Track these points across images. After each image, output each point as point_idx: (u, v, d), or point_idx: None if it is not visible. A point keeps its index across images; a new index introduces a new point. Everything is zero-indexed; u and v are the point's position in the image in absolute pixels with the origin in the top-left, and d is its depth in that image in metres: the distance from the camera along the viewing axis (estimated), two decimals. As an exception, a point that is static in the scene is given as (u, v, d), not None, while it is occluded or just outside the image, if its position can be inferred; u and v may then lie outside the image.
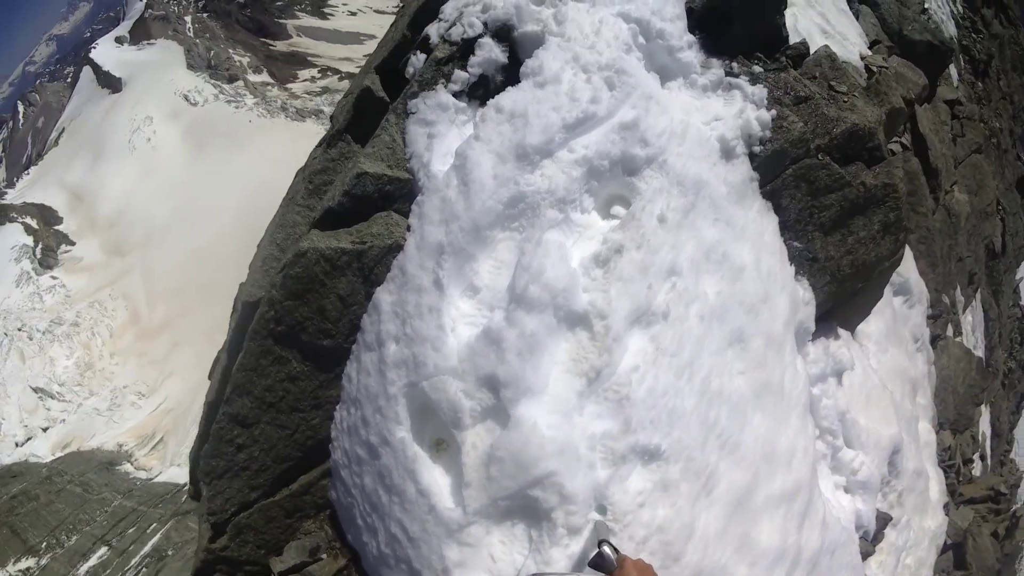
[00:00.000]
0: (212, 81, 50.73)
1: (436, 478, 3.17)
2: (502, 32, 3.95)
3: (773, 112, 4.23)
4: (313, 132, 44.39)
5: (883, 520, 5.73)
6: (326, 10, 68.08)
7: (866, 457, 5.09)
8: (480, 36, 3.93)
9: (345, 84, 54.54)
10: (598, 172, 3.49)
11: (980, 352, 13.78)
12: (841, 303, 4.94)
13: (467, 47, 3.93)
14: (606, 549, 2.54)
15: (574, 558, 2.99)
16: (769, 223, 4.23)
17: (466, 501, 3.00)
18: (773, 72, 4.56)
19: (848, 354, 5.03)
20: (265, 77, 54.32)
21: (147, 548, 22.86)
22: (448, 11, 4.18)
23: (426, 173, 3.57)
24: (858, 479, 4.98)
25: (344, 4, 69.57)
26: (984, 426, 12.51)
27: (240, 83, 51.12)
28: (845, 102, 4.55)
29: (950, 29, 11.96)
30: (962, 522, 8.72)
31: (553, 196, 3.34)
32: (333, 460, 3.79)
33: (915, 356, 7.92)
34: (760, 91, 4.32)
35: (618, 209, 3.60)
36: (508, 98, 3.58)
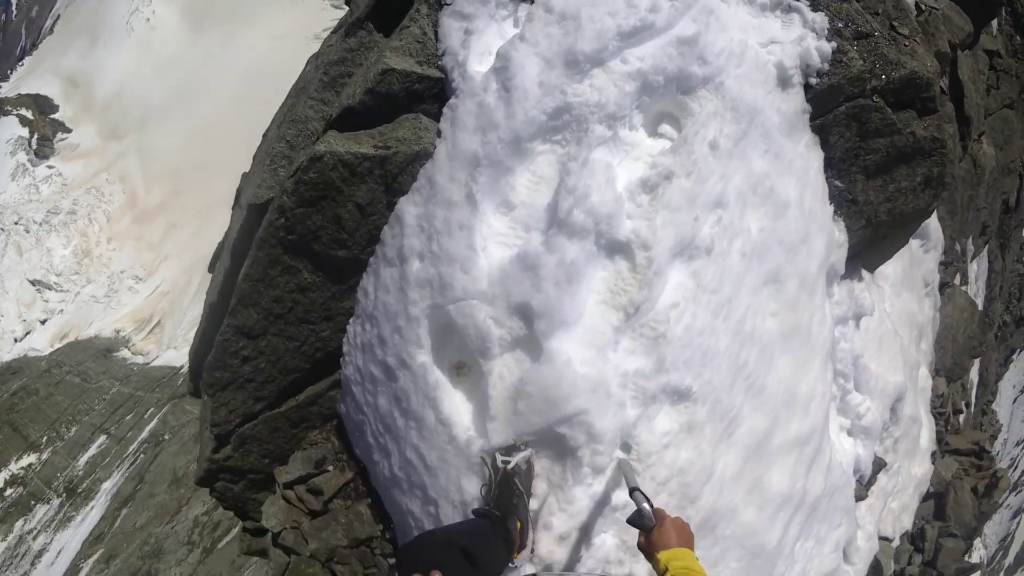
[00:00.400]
0: None
1: (457, 405, 3.02)
2: None
3: (834, 44, 3.89)
4: (318, 8, 42.18)
5: (878, 465, 5.78)
6: None
7: (872, 403, 5.07)
8: None
9: None
10: (651, 88, 3.15)
11: (980, 302, 13.87)
12: (869, 246, 4.78)
13: None
14: (645, 505, 2.41)
15: (596, 497, 2.90)
16: (815, 159, 3.97)
17: (490, 435, 2.86)
18: (835, 0, 4.20)
19: (870, 298, 4.91)
20: None
21: (144, 434, 23.19)
22: None
23: (461, 73, 3.18)
24: (862, 424, 4.97)
25: None
26: (973, 374, 12.71)
27: None
28: (906, 46, 4.22)
29: (993, -29, 11.37)
30: (946, 473, 8.93)
31: (603, 110, 3.01)
32: (344, 375, 3.62)
33: (923, 301, 7.89)
34: (821, 19, 3.96)
35: (666, 128, 3.29)
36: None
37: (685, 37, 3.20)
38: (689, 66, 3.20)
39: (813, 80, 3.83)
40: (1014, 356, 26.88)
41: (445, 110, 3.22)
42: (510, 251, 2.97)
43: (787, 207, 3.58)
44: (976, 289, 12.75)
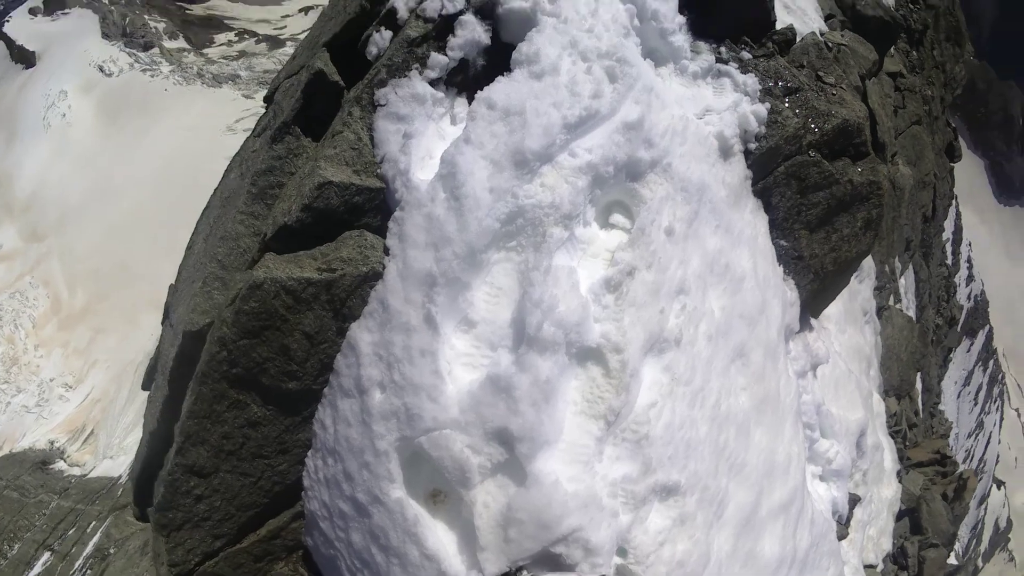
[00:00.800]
0: (127, 50, 47.48)
1: (440, 537, 2.81)
2: (486, 8, 3.37)
3: (767, 105, 3.96)
4: (229, 98, 42.33)
5: (853, 501, 5.82)
6: None
7: (839, 445, 5.13)
8: (461, 12, 3.32)
9: (262, 47, 51.73)
10: (603, 179, 3.07)
11: (913, 313, 14.44)
12: (815, 295, 4.87)
13: (445, 25, 3.32)
14: None
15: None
16: (761, 224, 4.00)
17: (482, 565, 2.66)
18: (762, 59, 4.28)
19: (823, 347, 4.99)
20: (181, 43, 51.35)
21: (89, 548, 21.76)
22: None
23: (404, 183, 3.00)
24: (833, 468, 5.01)
25: None
26: (916, 382, 13.16)
27: (156, 50, 48.15)
28: (834, 94, 4.35)
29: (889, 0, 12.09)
30: (914, 488, 9.13)
31: (558, 211, 2.90)
32: (308, 510, 3.36)
33: (865, 329, 8.11)
34: (751, 81, 4.03)
35: (618, 218, 3.21)
36: (501, 91, 3.04)
37: (631, 121, 3.15)
38: (637, 151, 3.14)
39: (752, 145, 3.86)
40: (951, 355, 28.14)
41: (391, 224, 3.04)
42: (478, 372, 2.80)
43: (743, 280, 3.56)
44: (907, 302, 13.25)
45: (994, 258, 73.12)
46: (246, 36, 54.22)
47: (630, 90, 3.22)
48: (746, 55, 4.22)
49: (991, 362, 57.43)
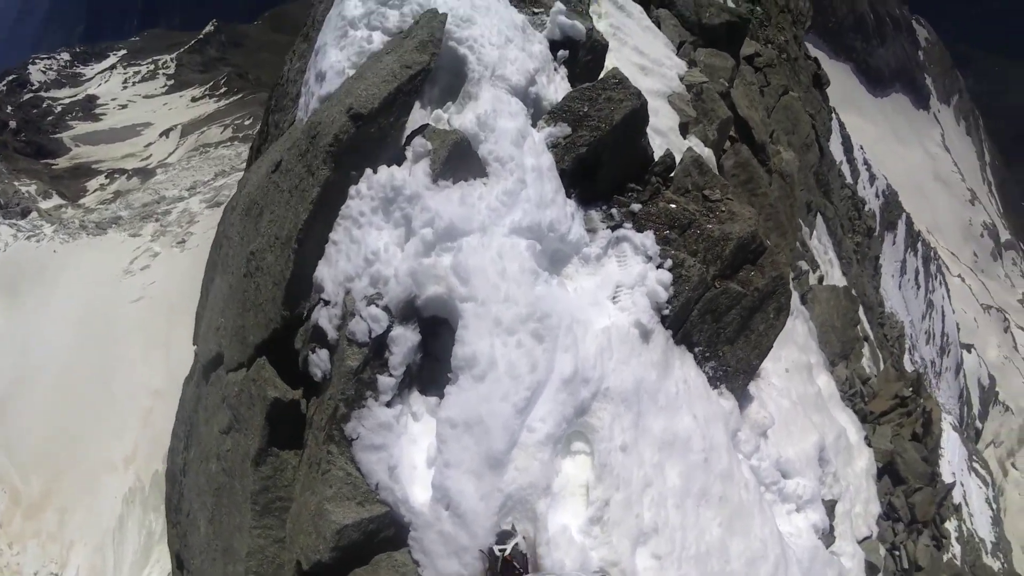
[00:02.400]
0: (6, 222, 46.09)
1: None
2: (407, 310, 3.74)
3: (669, 262, 4.46)
4: (117, 241, 41.10)
5: (830, 506, 6.61)
6: (97, 111, 64.64)
7: (803, 479, 5.89)
8: (389, 329, 3.68)
9: (135, 182, 50.78)
10: (560, 436, 3.68)
11: (831, 255, 15.54)
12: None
13: (379, 345, 3.68)
14: None
15: None
16: (690, 368, 4.69)
17: None
18: (650, 203, 4.83)
19: (766, 412, 5.70)
20: (56, 200, 49.88)
21: None
22: (330, 290, 3.87)
23: (408, 509, 3.48)
24: (804, 500, 5.79)
25: (113, 100, 65.86)
26: (860, 313, 14.13)
27: (34, 215, 46.79)
28: (723, 211, 4.94)
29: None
30: (885, 443, 10.01)
31: (536, 486, 3.47)
32: None
33: (797, 328, 8.95)
34: (649, 242, 4.51)
35: (578, 445, 3.77)
36: (456, 407, 3.51)
37: (567, 376, 3.69)
38: (579, 395, 3.76)
39: (666, 311, 4.51)
40: (880, 261, 29.69)
41: (411, 542, 3.52)
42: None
43: (690, 438, 4.27)
44: (825, 259, 14.21)
45: (886, 147, 77.52)
46: (116, 175, 53.34)
47: (557, 340, 3.74)
48: (636, 206, 4.72)
49: (919, 244, 60.70)
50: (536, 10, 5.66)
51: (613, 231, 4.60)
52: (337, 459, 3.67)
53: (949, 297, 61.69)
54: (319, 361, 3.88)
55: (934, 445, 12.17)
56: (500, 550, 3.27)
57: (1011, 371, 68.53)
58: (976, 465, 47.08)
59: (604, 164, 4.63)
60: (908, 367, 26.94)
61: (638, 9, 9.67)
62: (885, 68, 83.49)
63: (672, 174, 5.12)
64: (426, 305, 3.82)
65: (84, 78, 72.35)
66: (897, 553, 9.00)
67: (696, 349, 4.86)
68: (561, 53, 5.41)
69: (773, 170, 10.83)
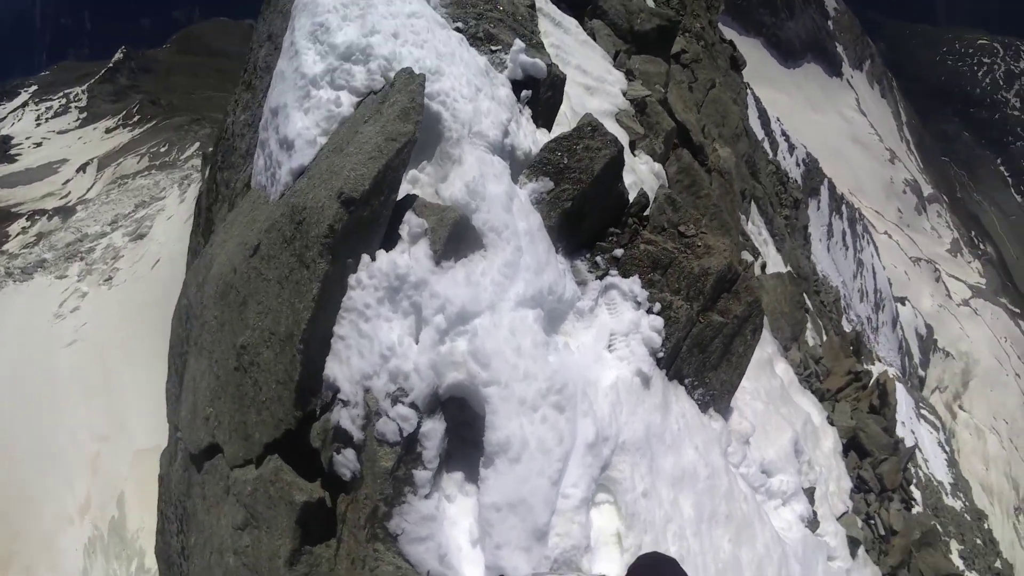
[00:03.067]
0: None
1: None
2: (432, 402, 3.72)
3: (658, 306, 4.72)
4: (44, 285, 39.73)
5: (810, 493, 6.97)
6: (12, 152, 61.76)
7: (785, 475, 6.20)
8: (419, 427, 3.65)
9: (56, 221, 48.70)
10: (592, 499, 3.81)
11: (765, 235, 16.07)
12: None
13: (410, 441, 3.64)
14: None
15: None
16: (684, 400, 4.89)
17: None
18: (631, 246, 4.99)
19: (747, 421, 5.96)
20: None
21: None
22: (347, 390, 3.79)
23: None
24: (788, 494, 6.12)
25: (27, 138, 62.84)
26: (805, 317, 14.67)
27: None
28: (699, 246, 5.13)
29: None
30: (846, 420, 10.47)
31: (578, 548, 3.59)
32: None
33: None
34: (636, 287, 4.73)
35: (601, 496, 3.94)
36: (496, 491, 3.57)
37: (590, 441, 3.83)
38: (602, 455, 3.88)
39: (660, 354, 4.69)
40: (808, 229, 30.68)
41: None
42: None
43: (696, 468, 4.45)
44: (761, 241, 14.67)
45: (803, 116, 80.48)
46: (37, 217, 51.28)
47: (576, 406, 3.86)
48: (618, 251, 4.91)
49: (843, 207, 63.13)
50: (494, 48, 5.70)
51: (601, 279, 4.73)
52: (384, 555, 3.64)
53: (878, 254, 64.61)
54: (346, 461, 3.78)
55: (892, 414, 12.78)
56: None
57: (947, 318, 72.36)
58: (924, 412, 49.64)
59: (587, 215, 4.74)
60: (846, 327, 28.19)
61: (574, 24, 9.82)
62: (796, 40, 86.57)
63: (647, 212, 5.27)
64: (447, 391, 3.82)
65: (-3, 119, 69.14)
66: (873, 522, 9.46)
67: (686, 380, 5.07)
68: (524, 94, 5.47)
69: (712, 168, 11.20)
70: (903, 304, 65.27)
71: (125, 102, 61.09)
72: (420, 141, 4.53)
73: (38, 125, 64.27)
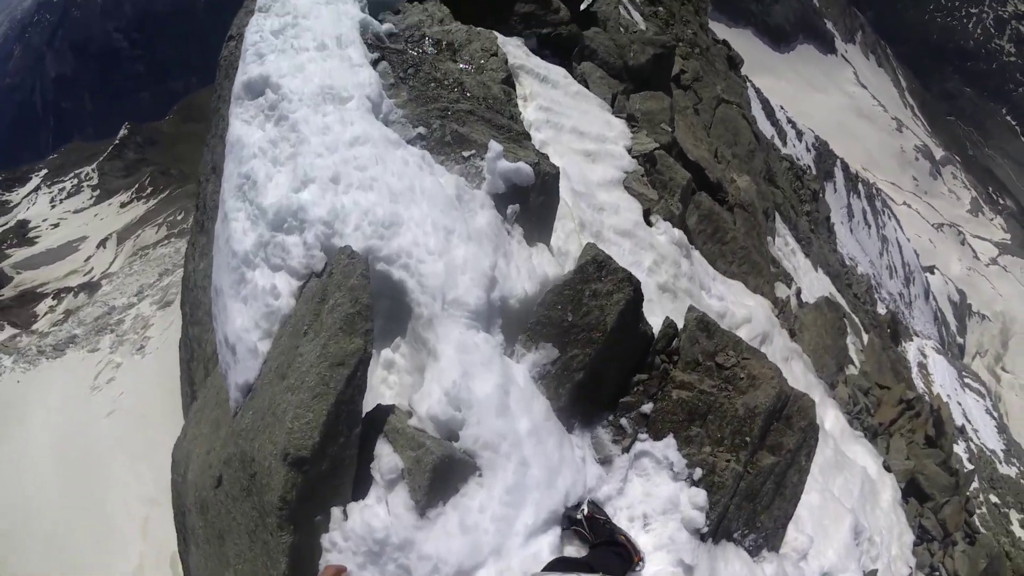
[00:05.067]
0: None
1: None
2: None
3: (698, 471, 3.72)
4: (77, 360, 40.81)
5: (873, 574, 5.89)
6: (31, 235, 63.20)
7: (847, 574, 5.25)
8: None
9: (82, 297, 49.50)
10: None
11: (792, 244, 14.80)
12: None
13: None
14: None
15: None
16: (733, 560, 3.87)
17: None
18: (661, 395, 3.94)
19: (803, 536, 4.98)
20: (9, 331, 48.69)
21: None
22: None
23: None
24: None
25: (44, 220, 64.20)
26: (825, 283, 13.53)
27: None
28: (742, 378, 4.07)
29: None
30: (902, 461, 9.26)
31: None
32: None
33: (792, 368, 8.31)
34: (670, 449, 3.75)
35: None
36: None
37: None
38: None
39: (705, 529, 3.62)
40: (831, 220, 29.33)
41: None
42: None
43: None
44: (791, 247, 13.46)
45: (805, 99, 78.86)
46: (62, 295, 51.86)
47: None
48: (647, 406, 3.89)
49: (859, 185, 61.41)
50: (466, 153, 4.60)
51: (628, 450, 3.64)
52: None
53: (901, 227, 62.67)
54: None
55: (949, 445, 11.47)
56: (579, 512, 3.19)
57: (977, 280, 70.02)
58: (968, 380, 47.60)
59: (605, 377, 3.64)
60: (881, 311, 26.62)
61: (562, 74, 8.75)
62: (785, 23, 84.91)
63: (676, 343, 4.23)
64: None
65: (12, 204, 70.07)
66: (937, 573, 8.39)
67: (735, 535, 4.04)
68: (511, 210, 4.39)
69: (733, 204, 10.07)
70: (932, 273, 62.81)
71: (136, 175, 61.36)
72: (388, 312, 3.50)
73: (53, 207, 65.26)
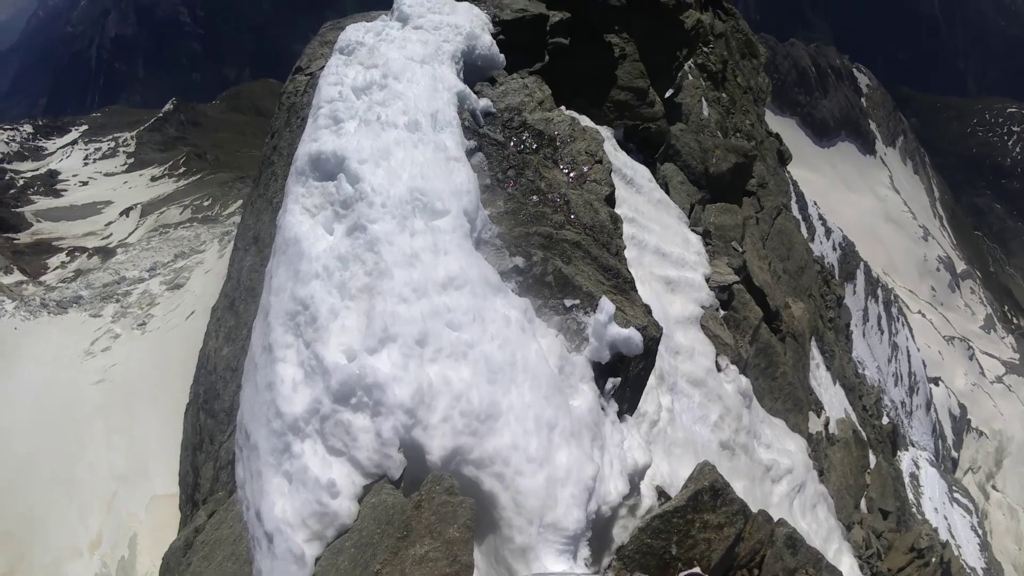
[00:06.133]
0: None
1: None
2: None
3: None
4: (78, 322, 40.05)
5: None
6: (59, 187, 63.23)
7: None
8: None
9: (95, 261, 49.15)
10: None
11: (818, 359, 13.95)
12: None
13: None
14: None
15: None
16: None
17: None
18: None
19: None
20: (17, 276, 48.27)
21: None
22: None
23: None
24: None
25: (74, 176, 64.31)
26: (839, 396, 12.89)
27: None
28: None
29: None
30: None
31: None
32: None
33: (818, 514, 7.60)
34: None
35: None
36: None
37: None
38: None
39: None
40: (850, 327, 28.48)
41: None
42: None
43: None
44: (816, 361, 12.85)
45: (838, 196, 78.51)
46: (77, 253, 51.57)
47: None
48: None
49: (879, 290, 60.65)
50: (568, 303, 3.74)
51: None
52: None
53: (912, 336, 61.63)
54: None
55: None
56: None
57: (980, 396, 68.64)
58: (957, 495, 46.12)
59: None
60: (884, 421, 25.59)
61: (646, 176, 8.04)
62: (830, 118, 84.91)
63: (760, 558, 3.44)
64: None
65: (46, 152, 70.10)
66: None
67: None
68: (611, 385, 3.53)
69: (786, 333, 9.32)
70: (936, 385, 61.51)
71: (172, 152, 61.15)
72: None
73: (86, 164, 65.22)
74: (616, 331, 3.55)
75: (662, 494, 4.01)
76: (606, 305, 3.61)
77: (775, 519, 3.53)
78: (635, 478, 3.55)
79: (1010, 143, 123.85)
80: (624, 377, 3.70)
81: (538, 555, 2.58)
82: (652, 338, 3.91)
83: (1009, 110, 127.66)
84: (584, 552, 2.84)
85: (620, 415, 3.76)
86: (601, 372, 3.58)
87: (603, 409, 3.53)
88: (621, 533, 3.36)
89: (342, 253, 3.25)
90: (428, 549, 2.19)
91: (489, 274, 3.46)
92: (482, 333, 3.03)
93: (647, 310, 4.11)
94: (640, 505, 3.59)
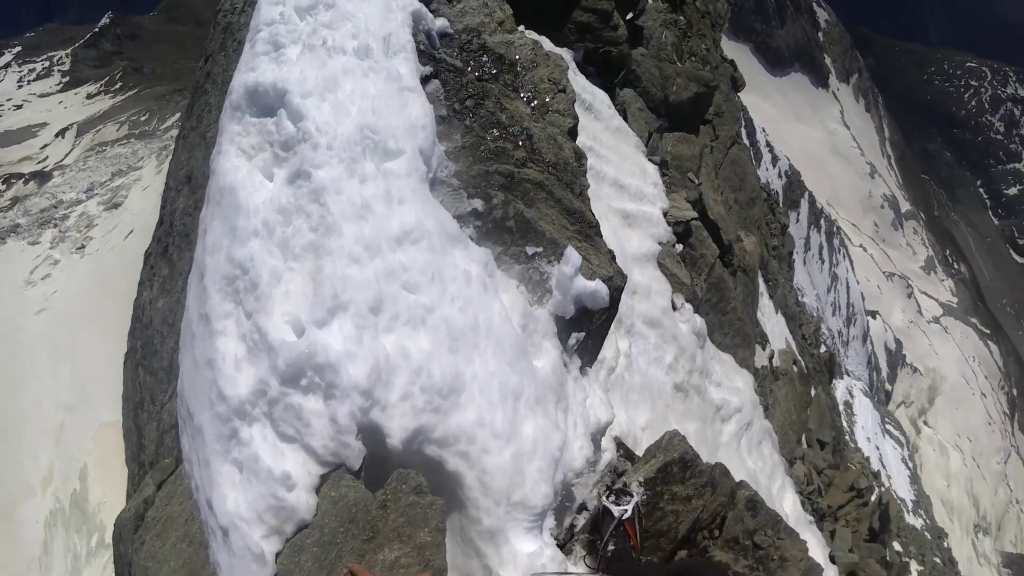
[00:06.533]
0: None
1: None
2: None
3: None
4: (16, 251, 37.66)
5: None
6: None
7: None
8: None
9: (32, 186, 46.44)
10: None
11: (761, 287, 14.28)
12: None
13: None
14: None
15: None
16: None
17: None
18: None
19: None
20: None
21: None
22: None
23: None
24: None
25: (8, 100, 60.15)
26: (781, 327, 13.22)
27: None
28: (773, 560, 3.60)
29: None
30: (845, 553, 9.17)
31: None
32: None
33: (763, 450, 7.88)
34: None
35: None
36: None
37: None
38: None
39: None
40: (792, 256, 29.22)
41: None
42: None
43: None
44: (760, 289, 13.05)
45: (786, 126, 78.89)
46: (12, 180, 49.01)
47: None
48: None
49: (822, 220, 62.01)
50: (531, 251, 3.48)
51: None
52: None
53: (852, 268, 63.58)
54: None
55: (891, 540, 11.33)
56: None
57: (917, 334, 71.96)
58: (889, 427, 48.98)
59: None
60: (822, 350, 26.69)
61: (605, 101, 7.72)
62: (785, 48, 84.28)
63: (721, 519, 3.60)
64: None
65: (-22, 78, 65.52)
66: None
67: None
68: (574, 340, 3.34)
69: (738, 267, 9.37)
70: (874, 318, 64.09)
71: (108, 68, 57.27)
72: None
73: (20, 87, 61.01)
74: (582, 284, 3.35)
75: (620, 445, 3.93)
76: (572, 256, 3.38)
77: (735, 478, 3.49)
78: (598, 436, 3.44)
79: (966, 96, 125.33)
80: (587, 331, 3.52)
81: (507, 536, 2.44)
82: (617, 287, 3.72)
83: (968, 64, 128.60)
84: (550, 522, 2.72)
85: (582, 369, 3.62)
86: (564, 327, 3.40)
87: (565, 366, 3.36)
88: (582, 491, 3.26)
89: (283, 205, 2.87)
90: (399, 555, 2.02)
91: (447, 223, 3.16)
92: (441, 294, 2.77)
93: (611, 256, 3.91)
94: (600, 460, 3.49)
